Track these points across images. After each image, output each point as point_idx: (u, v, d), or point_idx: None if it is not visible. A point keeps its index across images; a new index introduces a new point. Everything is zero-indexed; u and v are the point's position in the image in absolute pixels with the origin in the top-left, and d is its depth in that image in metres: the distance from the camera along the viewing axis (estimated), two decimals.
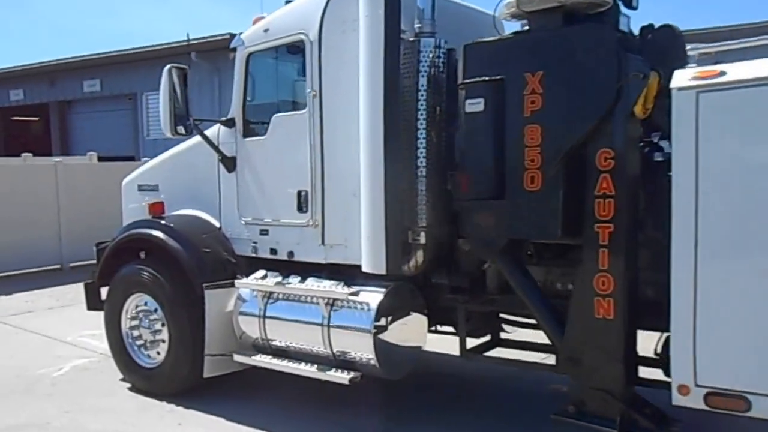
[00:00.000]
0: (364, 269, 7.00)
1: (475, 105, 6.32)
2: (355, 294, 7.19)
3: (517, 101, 6.10)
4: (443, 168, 7.01)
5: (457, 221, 6.83)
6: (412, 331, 7.48)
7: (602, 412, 6.10)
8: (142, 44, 31.63)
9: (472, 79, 6.38)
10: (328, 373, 7.39)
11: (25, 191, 17.74)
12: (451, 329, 8.18)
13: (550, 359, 7.48)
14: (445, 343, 8.32)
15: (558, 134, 5.97)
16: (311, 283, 7.57)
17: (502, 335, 7.99)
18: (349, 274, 7.41)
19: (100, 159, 21.75)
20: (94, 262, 9.75)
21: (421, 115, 6.90)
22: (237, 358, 8.08)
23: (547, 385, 8.47)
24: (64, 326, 12.29)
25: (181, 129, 8.08)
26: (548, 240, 6.35)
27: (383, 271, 6.84)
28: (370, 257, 6.90)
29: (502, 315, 7.72)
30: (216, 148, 8.42)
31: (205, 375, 8.17)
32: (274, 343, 7.86)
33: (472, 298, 7.14)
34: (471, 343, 7.50)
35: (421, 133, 6.90)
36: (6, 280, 16.80)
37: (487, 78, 6.27)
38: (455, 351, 8.64)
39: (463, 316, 7.23)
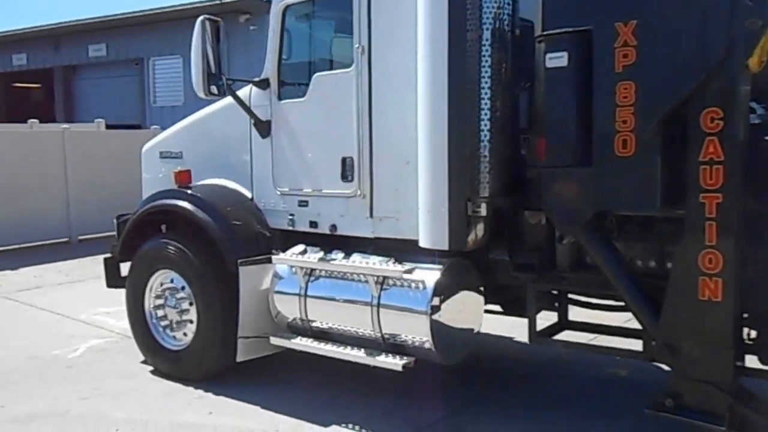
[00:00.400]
0: (423, 245, 6.38)
1: (557, 60, 5.58)
2: (410, 271, 6.52)
3: (607, 55, 5.35)
4: (508, 131, 6.34)
5: (532, 191, 6.18)
6: (469, 311, 6.87)
7: (705, 406, 5.41)
8: (150, 7, 31.08)
9: (554, 31, 5.64)
10: (377, 358, 6.76)
11: (31, 160, 17.01)
12: (495, 307, 7.63)
13: (598, 340, 7.11)
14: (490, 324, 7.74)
15: (656, 92, 5.23)
16: (358, 259, 6.93)
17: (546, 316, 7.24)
18: (396, 249, 6.80)
19: (108, 127, 21.07)
20: (105, 235, 9.13)
21: (486, 72, 6.18)
22: (274, 341, 7.45)
23: (606, 368, 7.98)
24: (76, 303, 11.67)
25: (214, 89, 7.34)
26: (646, 212, 5.66)
27: (445, 247, 6.23)
28: (430, 231, 6.28)
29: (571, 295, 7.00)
30: (250, 111, 7.71)
31: (239, 359, 7.54)
32: (314, 324, 7.22)
33: (541, 277, 6.43)
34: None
35: (486, 93, 6.19)
36: (12, 254, 16.19)
37: (571, 29, 5.53)
38: (502, 331, 8.07)
39: (533, 296, 6.56)
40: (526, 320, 7.30)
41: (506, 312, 7.68)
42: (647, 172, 5.30)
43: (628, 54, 5.27)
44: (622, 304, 6.43)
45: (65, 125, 19.68)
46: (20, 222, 16.58)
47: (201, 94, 7.34)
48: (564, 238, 6.13)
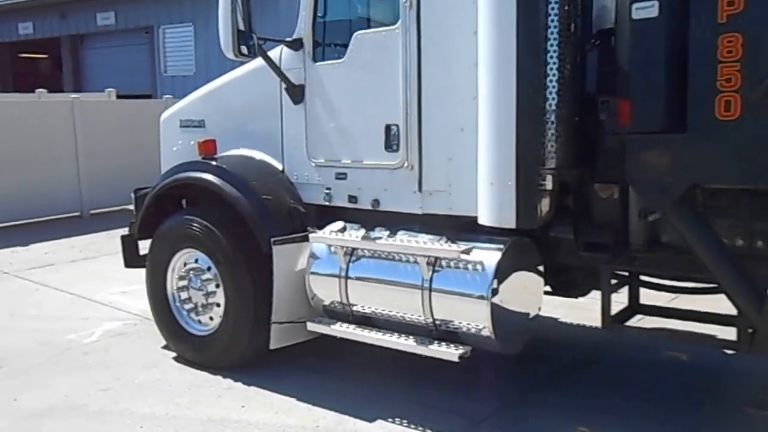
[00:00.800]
0: (484, 222, 5.74)
1: (646, 10, 4.91)
2: (468, 252, 5.87)
3: (708, 3, 4.68)
4: (577, 94, 5.69)
5: (602, 161, 5.64)
6: (529, 294, 6.27)
7: None
8: None
9: None
10: (430, 347, 6.12)
11: (40, 131, 16.36)
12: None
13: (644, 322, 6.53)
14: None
15: None
16: (406, 238, 6.29)
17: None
18: (444, 226, 6.21)
19: (119, 97, 20.53)
20: (118, 208, 8.49)
21: (555, 27, 5.52)
22: (311, 326, 6.82)
23: (665, 352, 7.44)
24: (90, 282, 11.04)
25: (244, 49, 6.67)
26: (751, 186, 4.98)
27: (512, 225, 5.58)
28: (494, 207, 5.63)
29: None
30: (281, 74, 7.05)
31: (272, 346, 6.93)
32: (356, 308, 6.60)
33: (614, 257, 5.79)
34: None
35: (554, 51, 5.53)
36: (21, 229, 15.57)
37: None
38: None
39: (607, 278, 5.91)
40: (569, 300, 7.20)
41: (555, 292, 7.09)
42: (755, 139, 4.63)
43: (735, 1, 4.59)
44: (700, 286, 5.84)
45: (74, 95, 19.04)
46: (29, 196, 15.97)
47: (230, 56, 6.67)
48: (648, 215, 5.45)
